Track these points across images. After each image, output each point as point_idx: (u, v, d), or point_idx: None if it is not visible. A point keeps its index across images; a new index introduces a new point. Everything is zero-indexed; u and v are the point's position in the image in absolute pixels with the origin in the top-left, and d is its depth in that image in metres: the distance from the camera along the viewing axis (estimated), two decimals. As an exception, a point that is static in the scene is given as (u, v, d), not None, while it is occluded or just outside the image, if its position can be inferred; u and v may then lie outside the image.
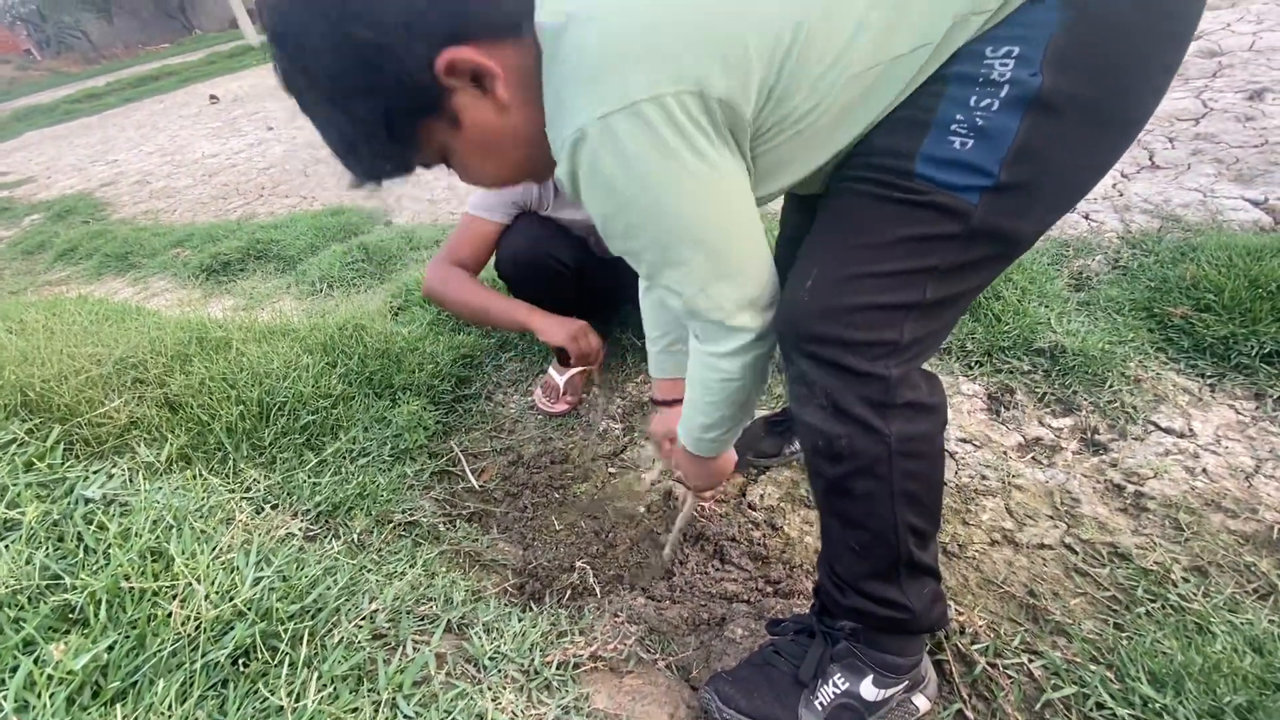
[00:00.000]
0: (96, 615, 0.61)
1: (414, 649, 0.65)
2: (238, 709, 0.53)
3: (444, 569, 0.91)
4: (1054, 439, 1.22)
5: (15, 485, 0.72)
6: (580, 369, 1.52)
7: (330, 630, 0.64)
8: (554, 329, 1.33)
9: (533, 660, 0.67)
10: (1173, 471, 1.10)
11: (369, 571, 0.80)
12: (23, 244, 4.03)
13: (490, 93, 0.56)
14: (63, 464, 0.80)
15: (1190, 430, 1.18)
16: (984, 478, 1.17)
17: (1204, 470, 1.10)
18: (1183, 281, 1.43)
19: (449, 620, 0.73)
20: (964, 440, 1.26)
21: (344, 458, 1.17)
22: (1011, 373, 1.37)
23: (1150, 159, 2.08)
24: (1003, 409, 1.31)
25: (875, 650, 0.72)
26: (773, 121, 0.57)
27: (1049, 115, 0.53)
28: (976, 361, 1.43)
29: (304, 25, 0.53)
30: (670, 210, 0.56)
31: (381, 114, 0.55)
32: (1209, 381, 1.27)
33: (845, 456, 0.63)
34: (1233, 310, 1.31)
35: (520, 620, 0.77)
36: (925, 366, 0.68)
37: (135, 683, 0.57)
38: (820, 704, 0.73)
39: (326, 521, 0.99)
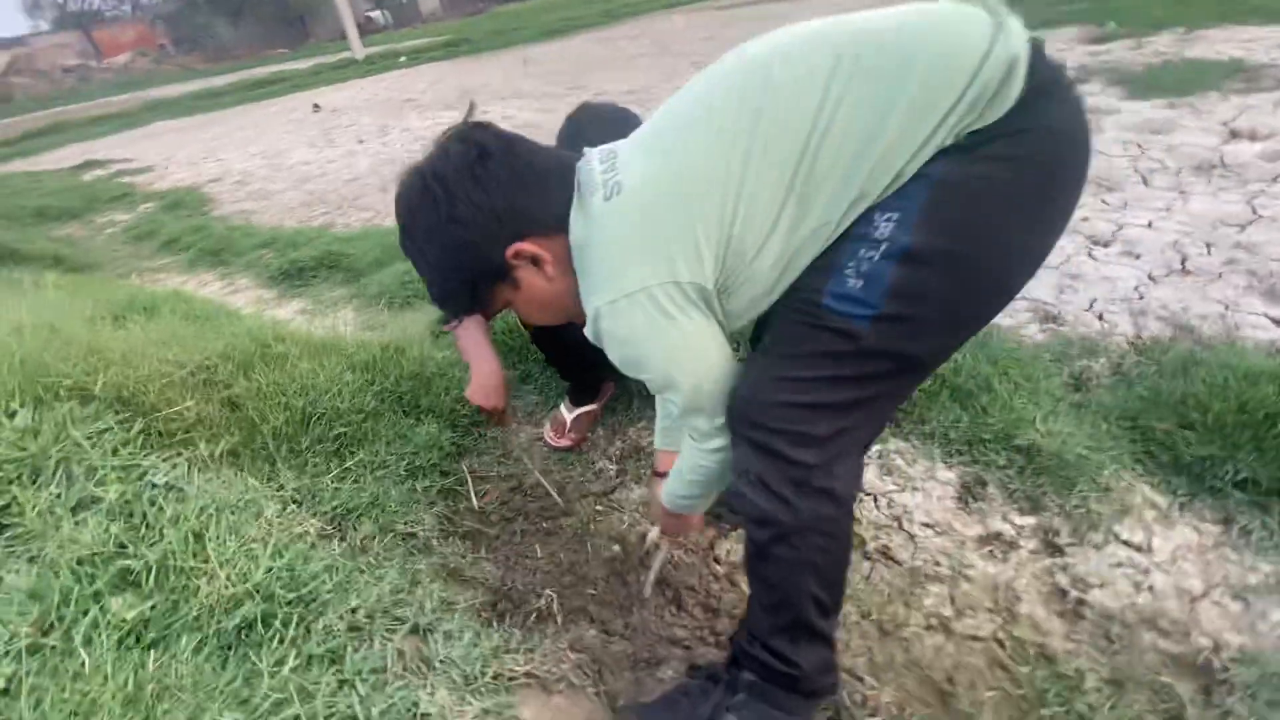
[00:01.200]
0: (147, 581, 0.78)
1: (380, 643, 0.79)
2: (235, 667, 0.68)
3: (427, 579, 1.06)
4: (1014, 535, 1.28)
5: (103, 468, 0.91)
6: (587, 409, 1.67)
7: (317, 618, 0.80)
8: (474, 374, 1.41)
9: (476, 668, 0.81)
10: (1119, 584, 1.15)
11: (362, 573, 0.96)
12: (135, 230, 4.53)
13: (542, 269, 0.82)
14: (140, 452, 0.99)
15: (1149, 546, 1.22)
16: (937, 564, 1.24)
17: (1150, 587, 1.14)
18: (1174, 396, 1.46)
19: (417, 623, 0.87)
20: (927, 525, 1.33)
21: (365, 468, 1.35)
22: (987, 465, 1.43)
23: (1182, 263, 2.08)
24: (972, 499, 1.38)
25: (767, 704, 0.83)
26: (728, 285, 0.75)
27: (919, 264, 0.68)
28: (957, 450, 1.49)
29: (418, 219, 0.80)
30: (660, 362, 0.77)
31: (470, 281, 0.82)
32: (1180, 500, 1.30)
33: (767, 524, 0.77)
34: (1215, 432, 1.34)
35: (478, 633, 0.90)
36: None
37: (167, 636, 0.74)
38: None
39: (339, 524, 1.16)
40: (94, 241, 4.50)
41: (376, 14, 36.52)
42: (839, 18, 0.73)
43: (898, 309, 0.68)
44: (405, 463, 1.43)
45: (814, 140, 0.67)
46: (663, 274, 0.71)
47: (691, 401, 0.80)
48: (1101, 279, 2.06)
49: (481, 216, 0.76)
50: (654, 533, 1.29)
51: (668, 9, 17.88)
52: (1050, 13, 6.49)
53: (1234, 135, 3.02)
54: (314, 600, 0.82)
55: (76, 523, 0.81)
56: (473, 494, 1.47)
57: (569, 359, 1.64)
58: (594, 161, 0.80)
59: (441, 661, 0.80)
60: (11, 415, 0.96)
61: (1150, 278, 2.04)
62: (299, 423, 1.37)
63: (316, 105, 9.73)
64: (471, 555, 1.25)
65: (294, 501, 1.16)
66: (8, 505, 0.84)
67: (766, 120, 0.68)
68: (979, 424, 1.51)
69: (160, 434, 1.11)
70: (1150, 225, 2.34)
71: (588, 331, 0.80)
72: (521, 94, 7.74)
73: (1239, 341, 1.66)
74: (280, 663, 0.69)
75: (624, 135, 0.84)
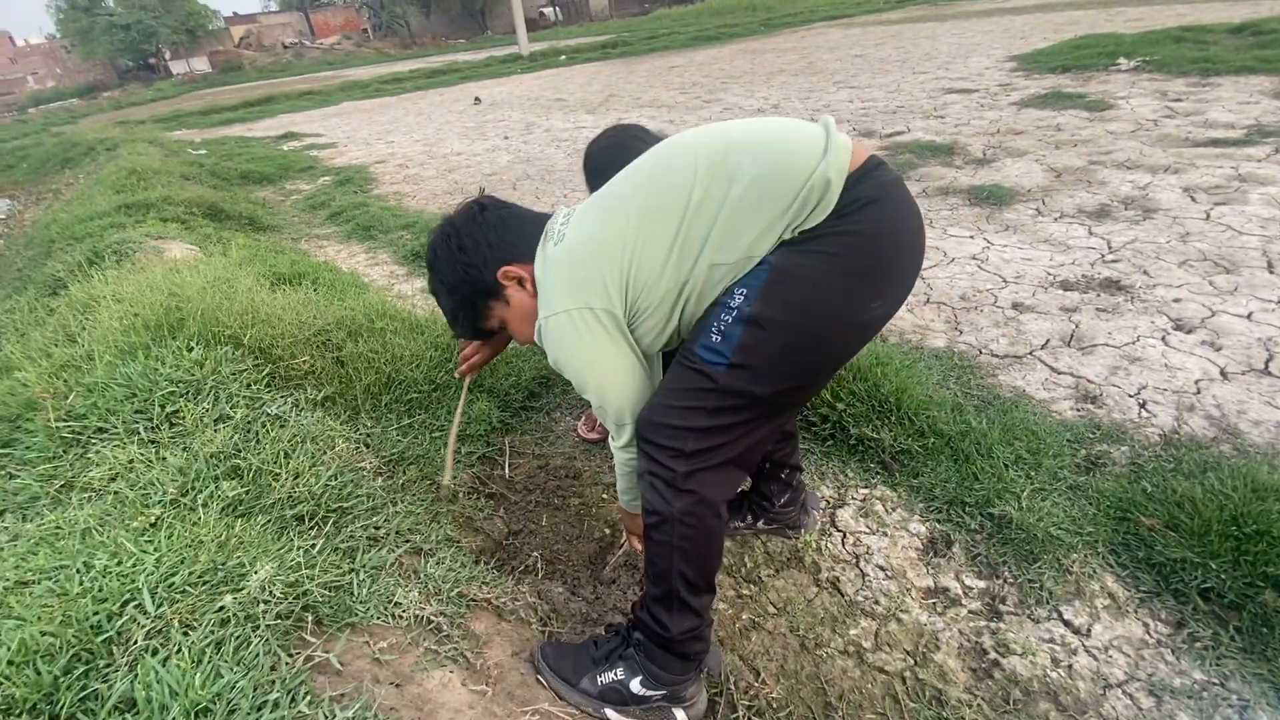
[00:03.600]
0: (247, 475, 1.14)
1: (387, 552, 1.09)
2: (285, 541, 1.01)
3: (444, 520, 1.37)
4: (959, 594, 1.37)
5: (238, 396, 1.30)
6: None
7: (349, 524, 1.12)
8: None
9: (449, 584, 1.09)
10: (1039, 656, 1.22)
11: (394, 504, 1.28)
12: (311, 199, 5.37)
13: (524, 288, 1.08)
14: (265, 389, 1.38)
15: (1087, 630, 1.27)
16: (876, 602, 1.37)
17: (1069, 666, 1.20)
18: (1174, 495, 1.46)
19: (420, 546, 1.17)
20: (882, 568, 1.45)
21: (425, 428, 1.69)
22: (959, 526, 1.52)
23: (1266, 364, 1.96)
24: (934, 554, 1.47)
25: (648, 660, 1.05)
26: (634, 313, 0.99)
27: (759, 328, 0.91)
28: (937, 507, 1.58)
29: (437, 255, 1.12)
30: (578, 369, 1.02)
31: (471, 299, 1.11)
32: (1140, 594, 1.32)
33: (650, 513, 1.02)
34: (1197, 537, 1.34)
35: (464, 565, 1.19)
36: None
37: (251, 511, 1.08)
38: (600, 681, 1.06)
39: (392, 465, 1.50)
40: (281, 206, 5.40)
41: (548, 10, 38.75)
42: (725, 126, 0.99)
43: (743, 359, 0.92)
44: (458, 429, 1.76)
45: (687, 216, 0.93)
46: (580, 301, 0.96)
47: (600, 405, 1.03)
48: (1163, 366, 1.99)
49: (479, 247, 1.07)
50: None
51: (828, 20, 17.57)
52: (1244, 58, 5.81)
53: (1407, 226, 2.68)
54: (350, 512, 1.14)
55: (214, 430, 1.19)
56: (506, 464, 1.77)
57: None
58: (559, 216, 1.08)
59: (426, 575, 1.09)
60: (189, 349, 1.38)
61: (1222, 373, 1.95)
62: (383, 384, 1.74)
63: (478, 99, 10.70)
64: (488, 511, 1.55)
65: (364, 444, 1.51)
66: (177, 410, 1.25)
67: (660, 198, 0.95)
68: (965, 487, 1.59)
69: (282, 377, 1.50)
70: (1249, 316, 2.20)
71: (538, 339, 1.05)
72: (658, 103, 8.09)
73: (1284, 454, 1.60)
74: (313, 546, 1.01)
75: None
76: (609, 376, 1.00)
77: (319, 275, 2.56)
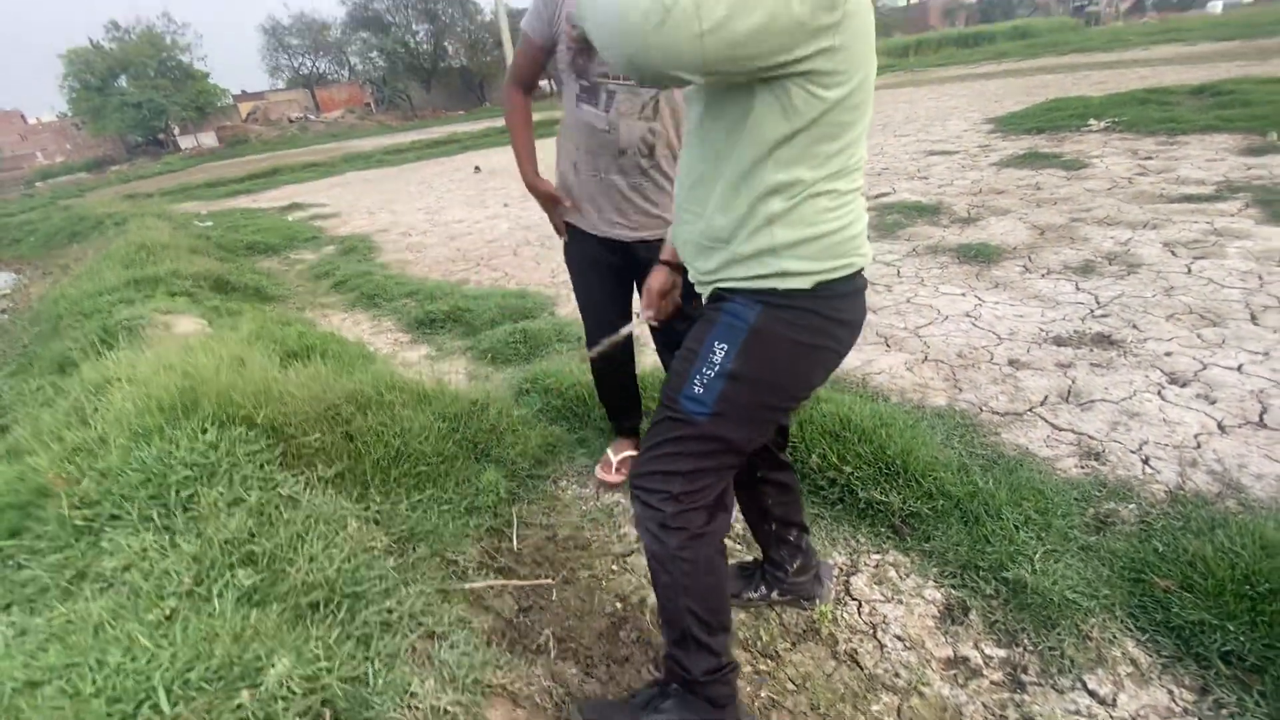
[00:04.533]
0: (262, 561, 1.14)
1: (400, 638, 1.08)
2: (300, 631, 1.00)
3: (455, 599, 1.35)
4: (980, 664, 1.35)
5: (251, 478, 1.31)
6: (631, 454, 1.97)
7: (362, 610, 1.11)
8: (531, 188, 1.74)
9: (464, 671, 1.07)
10: (1066, 728, 1.20)
11: (406, 585, 1.27)
12: (316, 269, 5.48)
13: None
14: (278, 469, 1.39)
15: (1114, 700, 1.25)
16: (896, 675, 1.34)
17: (1097, 738, 1.18)
18: (1186, 554, 1.46)
19: (433, 630, 1.15)
20: (899, 638, 1.43)
21: (434, 502, 1.69)
22: (975, 592, 1.50)
23: (1260, 416, 1.99)
24: (951, 622, 1.46)
25: (684, 708, 1.06)
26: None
27: (737, 381, 0.98)
28: (951, 572, 1.57)
29: None
30: None
31: None
32: (1163, 660, 1.31)
33: (650, 557, 1.07)
34: (1213, 598, 1.34)
35: (478, 648, 1.17)
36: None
37: (266, 600, 1.07)
38: None
39: (402, 543, 1.49)
40: (285, 276, 5.50)
41: (544, 82, 40.51)
42: None
43: (723, 409, 0.99)
44: (466, 502, 1.76)
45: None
46: None
47: None
48: (1162, 421, 2.02)
49: None
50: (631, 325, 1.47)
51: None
52: (1207, 118, 6.11)
53: (1382, 276, 2.77)
54: (364, 596, 1.13)
55: (229, 514, 1.20)
56: (514, 536, 1.76)
57: (620, 399, 2.01)
58: None
59: (440, 661, 1.07)
60: (204, 431, 1.40)
61: (1220, 426, 1.97)
62: (392, 458, 1.75)
63: (477, 168, 11.08)
64: (498, 587, 1.54)
65: (374, 521, 1.51)
66: (193, 494, 1.25)
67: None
68: (977, 550, 1.58)
69: (294, 455, 1.52)
70: (1240, 369, 2.24)
71: None
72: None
73: (1290, 509, 1.60)
74: (328, 635, 1.00)
75: None
76: None
77: (326, 347, 2.60)
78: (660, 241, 1.59)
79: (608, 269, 1.75)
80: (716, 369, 0.98)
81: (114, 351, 2.11)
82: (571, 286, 1.87)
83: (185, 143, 34.29)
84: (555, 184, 1.73)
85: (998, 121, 7.82)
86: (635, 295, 1.76)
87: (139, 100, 31.60)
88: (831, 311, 0.98)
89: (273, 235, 6.97)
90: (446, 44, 38.98)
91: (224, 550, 1.12)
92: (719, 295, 1.03)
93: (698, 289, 1.10)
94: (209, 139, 34.09)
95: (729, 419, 0.99)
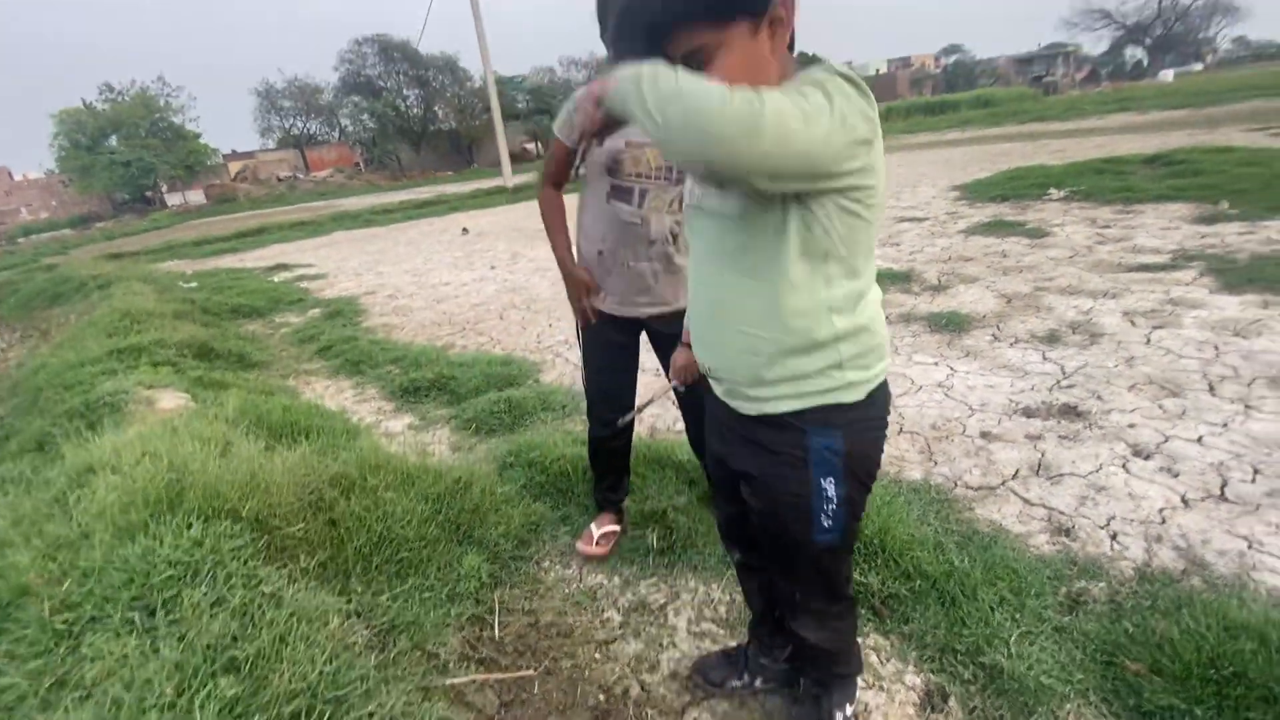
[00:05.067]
0: (245, 667, 1.13)
1: (382, 748, 1.08)
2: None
3: (436, 697, 1.34)
4: (961, 754, 1.36)
5: (235, 575, 1.32)
6: (611, 529, 2.03)
7: (345, 715, 1.10)
8: (567, 287, 1.85)
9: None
10: (1046, 824, 1.20)
11: (387, 684, 1.27)
12: (301, 333, 5.51)
13: (772, 35, 0.85)
14: (261, 563, 1.39)
15: (1091, 790, 1.26)
16: (879, 767, 1.35)
17: (1077, 833, 1.18)
18: (1155, 636, 1.49)
19: (414, 736, 1.15)
20: (880, 726, 1.44)
21: (415, 590, 1.69)
22: (954, 678, 1.52)
23: (1221, 489, 2.07)
24: (931, 709, 1.47)
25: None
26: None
27: (851, 502, 1.06)
28: (930, 656, 1.59)
29: None
30: (829, 89, 0.80)
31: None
32: (1137, 748, 1.33)
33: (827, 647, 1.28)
34: (1181, 682, 1.37)
35: (458, 753, 1.17)
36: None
37: (248, 711, 1.07)
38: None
39: (383, 637, 1.49)
40: (270, 340, 5.52)
41: (532, 145, 41.84)
42: None
43: (848, 524, 1.09)
44: (448, 588, 1.76)
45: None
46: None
47: (806, 109, 0.73)
48: (1128, 495, 2.09)
49: None
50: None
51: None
52: (1160, 187, 6.48)
53: (1326, 347, 2.92)
54: (345, 701, 1.13)
55: (211, 616, 1.20)
56: (496, 625, 1.76)
57: (614, 470, 2.07)
58: None
59: (421, 771, 1.07)
60: (189, 527, 1.41)
61: (1183, 500, 2.04)
62: (375, 544, 1.75)
63: (465, 229, 11.31)
64: (480, 681, 1.53)
65: (356, 613, 1.51)
66: (176, 595, 1.26)
67: None
68: (954, 633, 1.61)
69: (277, 548, 1.52)
70: (1200, 440, 2.34)
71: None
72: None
73: (1250, 585, 1.66)
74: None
75: None
76: (850, 115, 0.77)
77: (310, 422, 2.61)
78: (672, 314, 1.74)
79: (620, 348, 1.90)
80: (835, 501, 1.05)
81: (97, 434, 2.12)
82: (582, 361, 1.98)
83: (173, 200, 34.65)
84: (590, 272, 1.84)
85: (964, 189, 8.21)
86: (643, 366, 2.00)
87: (128, 159, 32.03)
88: (886, 408, 1.07)
89: (258, 298, 7.02)
90: (437, 108, 40.27)
91: (206, 656, 1.12)
92: (776, 420, 1.02)
93: (739, 406, 1.07)
94: (197, 197, 34.49)
95: (852, 527, 1.10)
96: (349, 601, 1.52)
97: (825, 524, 1.06)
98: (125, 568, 1.30)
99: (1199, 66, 49.19)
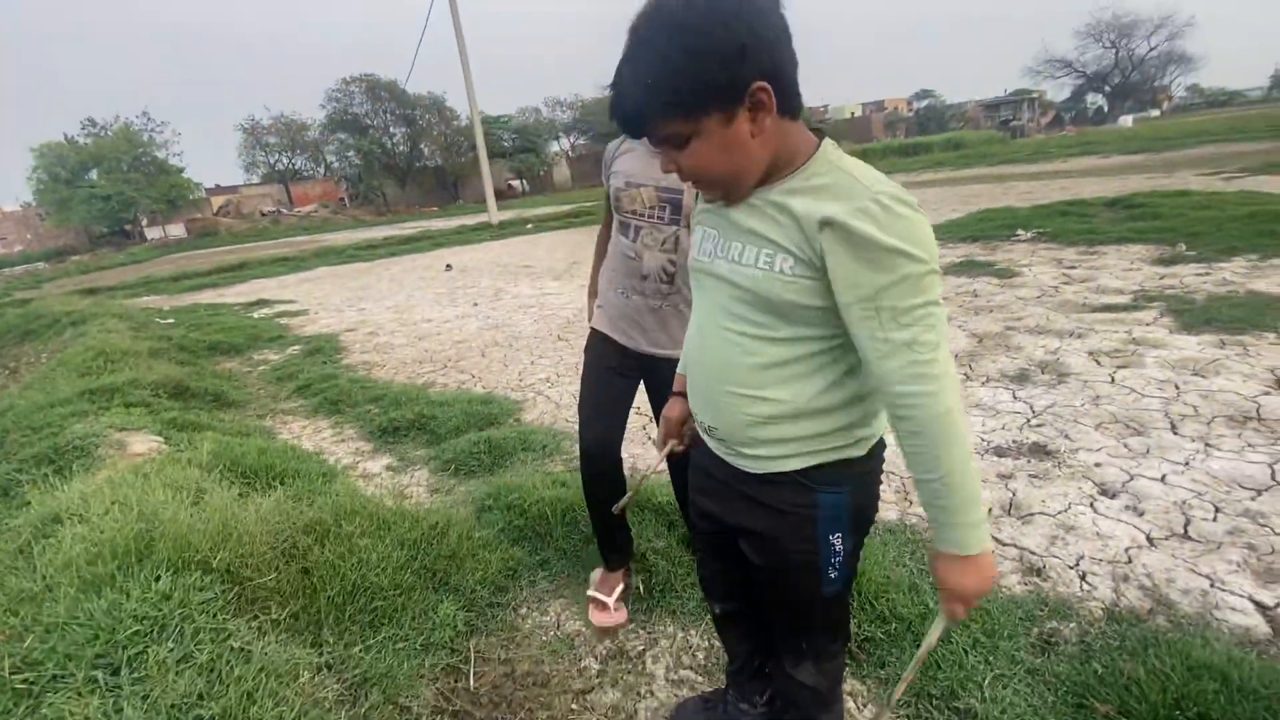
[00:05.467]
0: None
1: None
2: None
3: (408, 754, 1.32)
4: (936, 802, 1.36)
5: (203, 630, 1.30)
6: (622, 585, 1.97)
7: (311, 779, 1.08)
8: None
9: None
10: None
11: (357, 742, 1.24)
12: (279, 371, 5.47)
13: (757, 120, 0.87)
14: (230, 616, 1.37)
15: (1065, 838, 1.26)
16: (855, 818, 1.34)
17: None
18: (1124, 677, 1.52)
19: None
20: (857, 775, 1.43)
21: (389, 641, 1.67)
22: (928, 722, 1.53)
23: (1185, 527, 2.12)
24: (907, 756, 1.47)
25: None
26: None
27: (854, 552, 1.10)
28: (906, 700, 1.60)
29: (693, 8, 0.84)
30: (927, 253, 0.90)
31: (698, 89, 0.85)
32: (1108, 793, 1.34)
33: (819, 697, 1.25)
34: (1148, 725, 1.39)
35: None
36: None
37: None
38: None
39: (354, 690, 1.46)
40: (248, 378, 5.46)
41: (516, 182, 42.45)
42: None
43: (849, 574, 1.11)
44: (423, 638, 1.74)
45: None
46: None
47: (929, 300, 0.85)
48: (1095, 534, 2.14)
49: (763, 31, 0.83)
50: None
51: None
52: (1121, 230, 6.74)
53: (1279, 385, 3.04)
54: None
55: (177, 674, 1.18)
56: (471, 675, 1.73)
57: (617, 533, 2.00)
58: None
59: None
60: (158, 580, 1.39)
61: (1148, 539, 2.09)
62: (349, 593, 1.73)
63: (449, 265, 11.36)
64: (453, 735, 1.50)
65: (326, 666, 1.48)
66: (142, 652, 1.23)
67: None
68: (929, 677, 1.62)
69: (248, 600, 1.50)
70: (1163, 479, 2.40)
71: (849, 218, 0.83)
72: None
73: (1213, 624, 1.70)
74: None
75: None
76: (940, 285, 0.89)
77: (286, 465, 2.58)
78: (665, 359, 1.77)
79: (620, 374, 1.92)
80: (842, 554, 1.07)
81: (65, 480, 2.08)
82: (580, 379, 1.99)
83: (152, 234, 34.40)
84: (599, 294, 1.96)
85: (937, 229, 8.41)
86: (636, 409, 2.02)
87: (108, 193, 31.85)
88: (883, 457, 1.10)
89: (236, 334, 6.95)
90: (423, 145, 40.79)
91: (171, 716, 1.10)
92: (784, 478, 1.02)
93: (742, 465, 1.06)
94: (177, 230, 34.29)
95: (855, 569, 1.14)
96: (320, 654, 1.50)
97: (832, 575, 1.07)
98: (90, 623, 1.27)
99: (1156, 113, 51.75)
